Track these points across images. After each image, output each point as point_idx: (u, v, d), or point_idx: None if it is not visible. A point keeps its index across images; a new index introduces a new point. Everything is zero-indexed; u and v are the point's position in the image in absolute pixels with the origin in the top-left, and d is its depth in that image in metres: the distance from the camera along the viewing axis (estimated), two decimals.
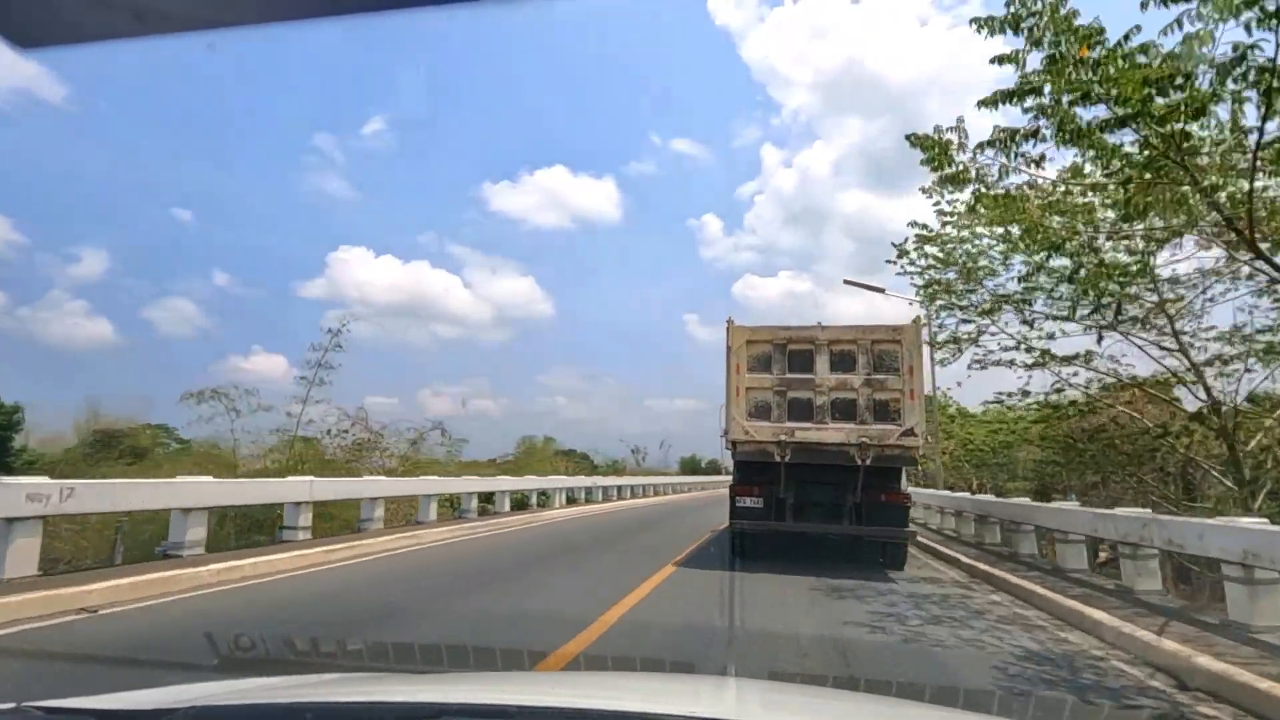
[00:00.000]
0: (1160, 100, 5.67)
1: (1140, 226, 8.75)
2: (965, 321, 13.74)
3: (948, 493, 17.72)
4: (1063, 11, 5.72)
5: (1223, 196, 7.02)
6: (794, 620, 6.14)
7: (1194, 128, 6.05)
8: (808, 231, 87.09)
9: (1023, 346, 13.19)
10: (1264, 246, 7.45)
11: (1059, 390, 14.16)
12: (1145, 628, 5.66)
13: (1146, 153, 6.33)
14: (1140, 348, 12.30)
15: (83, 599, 5.79)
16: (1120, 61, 5.65)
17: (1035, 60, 5.94)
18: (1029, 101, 6.15)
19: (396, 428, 19.95)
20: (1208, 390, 11.38)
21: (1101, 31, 5.73)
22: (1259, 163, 6.05)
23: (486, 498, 17.46)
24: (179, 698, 1.41)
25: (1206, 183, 6.54)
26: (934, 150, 7.09)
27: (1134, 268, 10.29)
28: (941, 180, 7.60)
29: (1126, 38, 5.67)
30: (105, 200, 62.84)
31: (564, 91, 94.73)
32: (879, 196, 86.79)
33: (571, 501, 22.54)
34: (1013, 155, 6.61)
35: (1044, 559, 10.80)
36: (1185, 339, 11.69)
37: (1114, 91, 5.70)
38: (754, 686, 2.38)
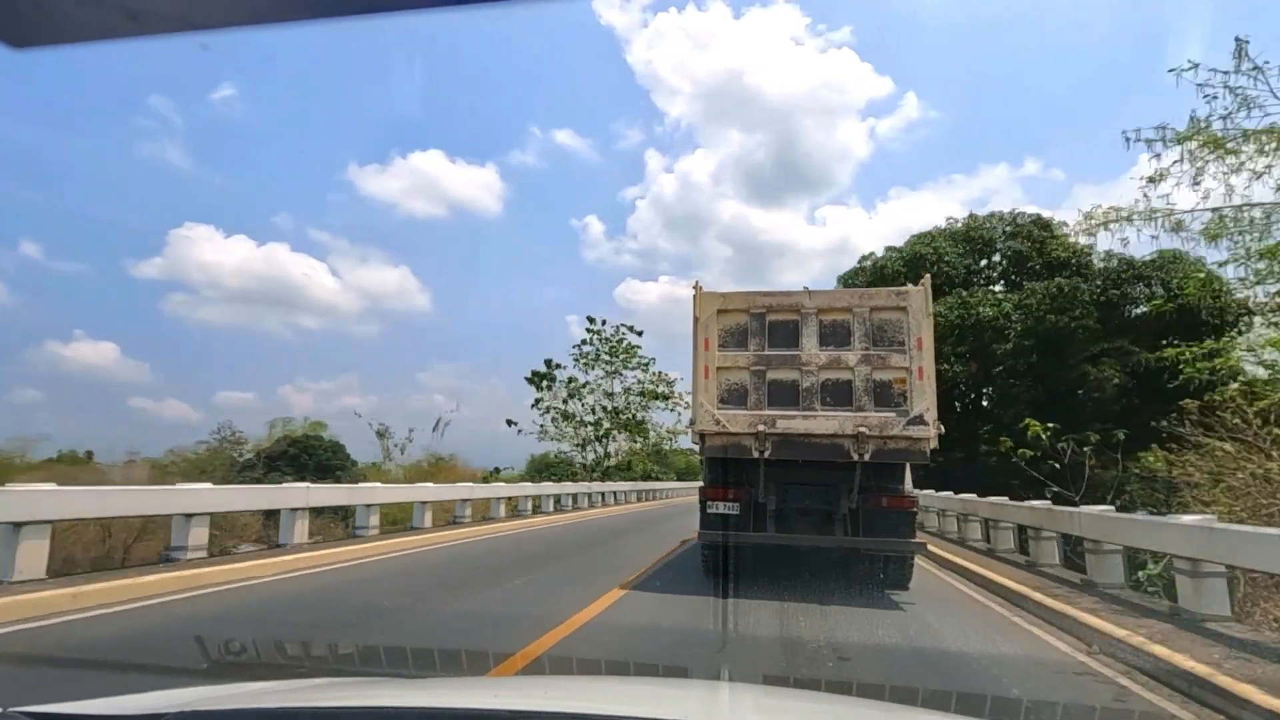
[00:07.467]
0: None
1: None
2: None
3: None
4: None
5: None
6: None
7: None
8: (687, 237, 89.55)
9: None
10: None
11: None
12: None
13: None
14: None
15: None
16: None
17: None
18: None
19: None
20: None
21: None
22: None
23: None
24: (167, 702, 1.38)
25: None
26: None
27: None
28: None
29: None
30: None
31: (440, 71, 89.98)
32: (754, 207, 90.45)
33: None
34: None
35: None
36: None
37: None
38: (747, 690, 2.33)
